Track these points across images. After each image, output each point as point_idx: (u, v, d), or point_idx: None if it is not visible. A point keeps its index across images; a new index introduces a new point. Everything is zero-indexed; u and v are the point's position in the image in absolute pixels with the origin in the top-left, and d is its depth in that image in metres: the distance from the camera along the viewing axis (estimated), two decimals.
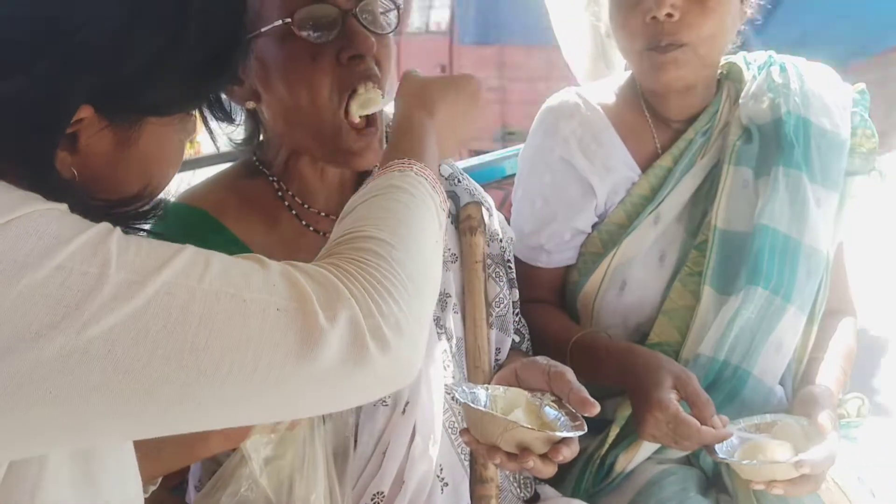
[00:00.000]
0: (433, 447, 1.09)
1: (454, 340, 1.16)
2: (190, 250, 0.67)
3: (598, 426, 1.27)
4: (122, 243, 0.64)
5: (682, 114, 1.40)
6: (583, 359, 1.26)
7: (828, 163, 1.33)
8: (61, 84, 0.68)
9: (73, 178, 0.71)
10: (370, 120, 1.08)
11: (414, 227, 0.82)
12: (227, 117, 0.86)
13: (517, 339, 1.29)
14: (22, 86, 0.66)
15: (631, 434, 1.28)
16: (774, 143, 1.34)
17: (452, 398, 1.13)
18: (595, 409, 1.03)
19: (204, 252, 0.68)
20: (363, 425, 1.09)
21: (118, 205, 0.75)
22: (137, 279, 0.62)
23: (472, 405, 1.01)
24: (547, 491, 1.28)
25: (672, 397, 1.14)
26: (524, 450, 0.98)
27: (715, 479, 1.33)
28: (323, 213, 1.16)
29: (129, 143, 0.74)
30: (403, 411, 1.09)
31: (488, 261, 1.23)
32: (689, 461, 1.36)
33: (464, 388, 1.07)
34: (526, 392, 1.08)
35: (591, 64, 1.97)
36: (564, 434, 0.99)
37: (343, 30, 1.04)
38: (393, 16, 1.10)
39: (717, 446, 1.14)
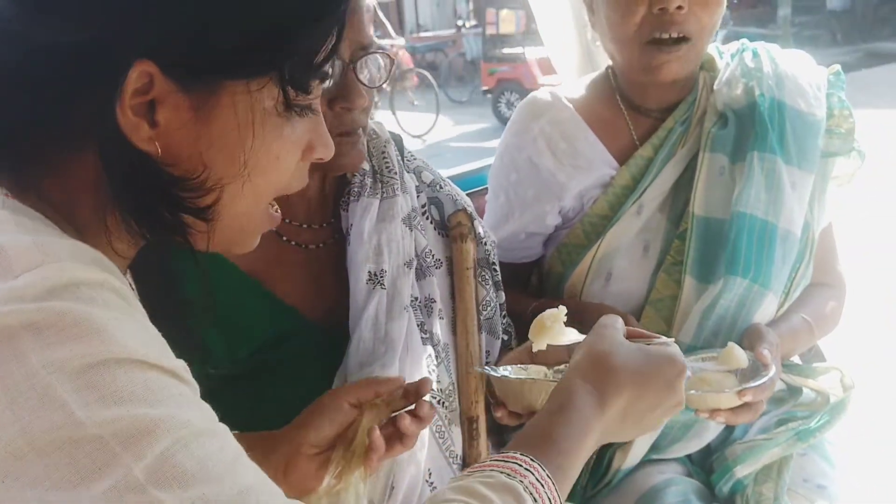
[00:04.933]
0: (421, 451, 1.09)
1: (440, 346, 1.16)
2: None
3: None
4: None
5: (662, 104, 1.41)
6: None
7: (803, 144, 1.33)
8: (111, 36, 0.59)
9: (155, 153, 0.63)
10: (352, 126, 1.07)
11: None
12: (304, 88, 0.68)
13: (505, 337, 1.30)
14: (70, 39, 0.59)
15: None
16: (750, 126, 1.34)
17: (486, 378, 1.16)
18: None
19: None
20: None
21: (188, 188, 0.64)
22: None
23: (512, 376, 1.05)
24: None
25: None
26: None
27: (714, 493, 1.33)
28: (304, 225, 1.17)
29: (210, 113, 0.63)
30: None
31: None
32: (689, 473, 1.36)
33: (488, 368, 1.10)
34: (545, 367, 1.11)
35: (578, 69, 1.98)
36: None
37: (341, 82, 1.04)
38: (385, 70, 1.09)
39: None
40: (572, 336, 1.04)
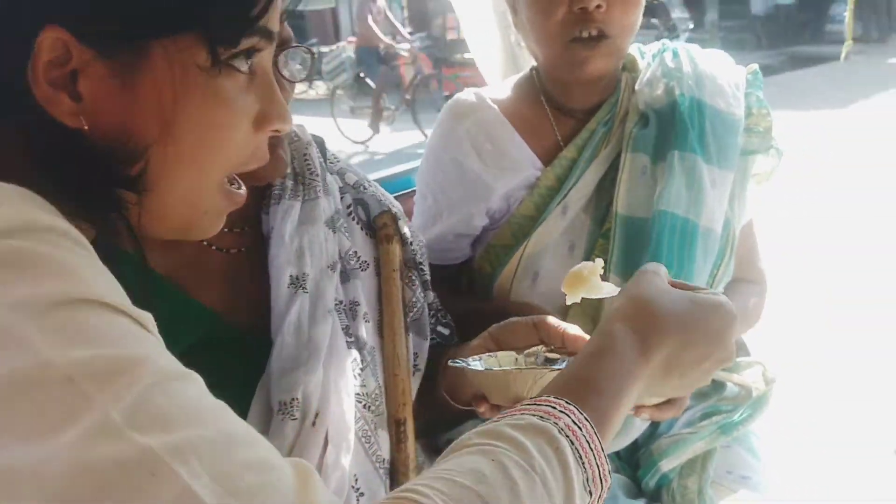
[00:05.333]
0: (346, 457, 1.07)
1: (366, 349, 1.15)
2: None
3: None
4: None
5: (585, 105, 1.43)
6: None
7: (723, 143, 1.36)
8: (17, 2, 0.56)
9: (80, 126, 0.59)
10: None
11: None
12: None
13: (446, 332, 1.29)
14: None
15: None
16: (671, 126, 1.36)
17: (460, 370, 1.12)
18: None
19: None
20: (271, 441, 1.07)
21: (118, 159, 0.60)
22: None
23: (496, 369, 1.02)
24: None
25: None
26: None
27: (641, 489, 1.35)
28: (225, 229, 1.14)
29: (135, 78, 0.59)
30: (314, 423, 1.07)
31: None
32: (617, 469, 1.38)
33: (461, 360, 1.07)
34: (514, 353, 1.08)
35: (502, 71, 1.99)
36: None
37: None
38: (306, 67, 1.08)
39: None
40: (609, 289, 0.98)
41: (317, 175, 1.17)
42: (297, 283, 1.09)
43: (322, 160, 1.22)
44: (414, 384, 1.18)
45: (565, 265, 1.37)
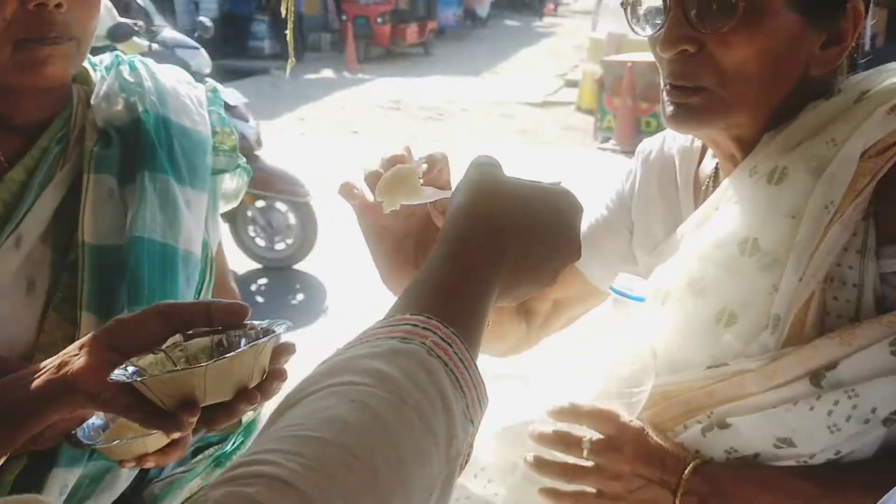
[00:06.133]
0: None
1: None
2: None
3: None
4: None
5: (32, 120, 1.23)
6: None
7: (194, 162, 1.31)
8: None
9: None
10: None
11: (381, 470, 0.47)
12: None
13: None
14: None
15: None
16: (136, 145, 1.26)
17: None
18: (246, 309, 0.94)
19: None
20: None
21: None
22: None
23: (162, 373, 0.87)
24: None
25: None
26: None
27: None
28: None
29: None
30: None
31: None
32: None
33: (120, 375, 0.87)
34: (151, 355, 0.92)
35: None
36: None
37: None
38: None
39: (79, 432, 1.05)
40: (430, 192, 0.86)
41: None
42: None
43: None
44: None
45: (25, 306, 1.18)
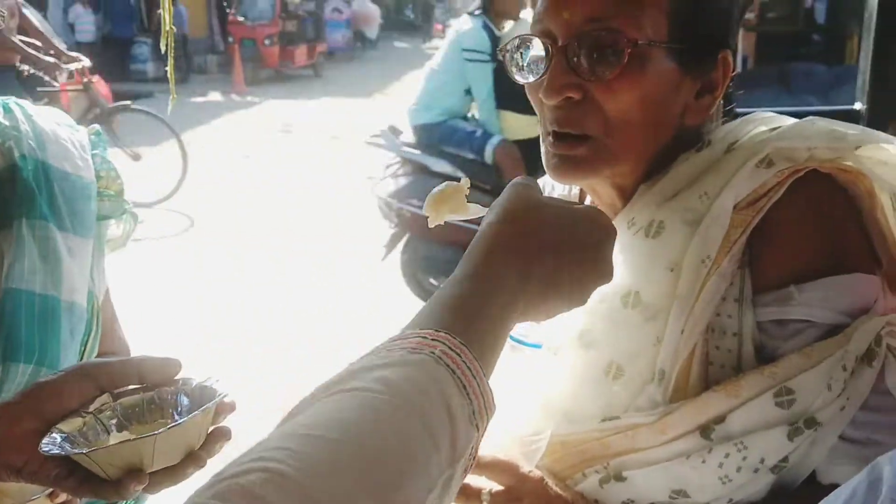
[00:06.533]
0: None
1: None
2: None
3: None
4: None
5: None
6: None
7: (76, 209, 1.25)
8: None
9: None
10: None
11: (381, 467, 0.49)
12: None
13: None
14: None
15: None
16: (13, 191, 1.20)
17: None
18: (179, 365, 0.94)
19: None
20: None
21: None
22: None
23: (112, 443, 0.85)
24: None
25: None
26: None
27: None
28: None
29: None
30: None
31: None
32: None
33: (59, 447, 0.82)
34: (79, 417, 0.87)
35: None
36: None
37: None
38: None
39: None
40: (475, 210, 0.89)
41: None
42: None
43: None
44: None
45: None
